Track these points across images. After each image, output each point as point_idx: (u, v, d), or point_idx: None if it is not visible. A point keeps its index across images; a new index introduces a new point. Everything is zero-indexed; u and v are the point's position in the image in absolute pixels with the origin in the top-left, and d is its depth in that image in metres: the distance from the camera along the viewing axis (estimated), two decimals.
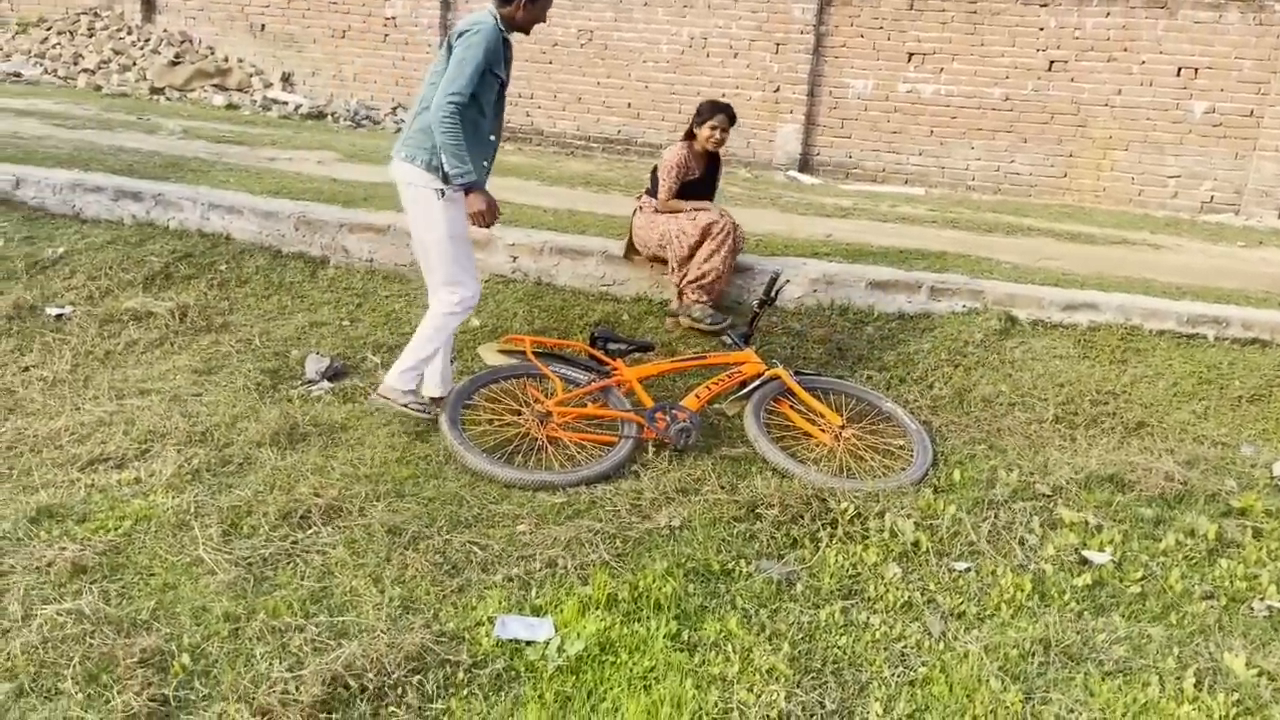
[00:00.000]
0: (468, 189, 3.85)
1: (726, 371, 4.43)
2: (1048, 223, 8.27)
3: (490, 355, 4.32)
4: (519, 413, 4.09)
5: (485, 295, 5.49)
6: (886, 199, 9.35)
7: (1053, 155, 10.31)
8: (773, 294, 4.58)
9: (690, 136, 5.31)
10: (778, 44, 11.06)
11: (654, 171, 5.37)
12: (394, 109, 12.95)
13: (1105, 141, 10.07)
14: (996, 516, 3.60)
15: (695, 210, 5.19)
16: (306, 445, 3.90)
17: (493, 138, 4.01)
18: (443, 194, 3.88)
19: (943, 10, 10.37)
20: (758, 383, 4.33)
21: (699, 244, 5.10)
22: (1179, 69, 9.70)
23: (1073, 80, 10.07)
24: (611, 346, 4.38)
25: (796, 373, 4.45)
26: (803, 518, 3.54)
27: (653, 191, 5.32)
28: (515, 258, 5.65)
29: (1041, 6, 10.02)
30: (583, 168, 9.97)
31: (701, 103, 5.31)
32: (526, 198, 7.58)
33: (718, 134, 5.17)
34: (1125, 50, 9.83)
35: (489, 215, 3.92)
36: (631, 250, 5.45)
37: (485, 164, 3.98)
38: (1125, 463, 4.03)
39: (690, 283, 5.12)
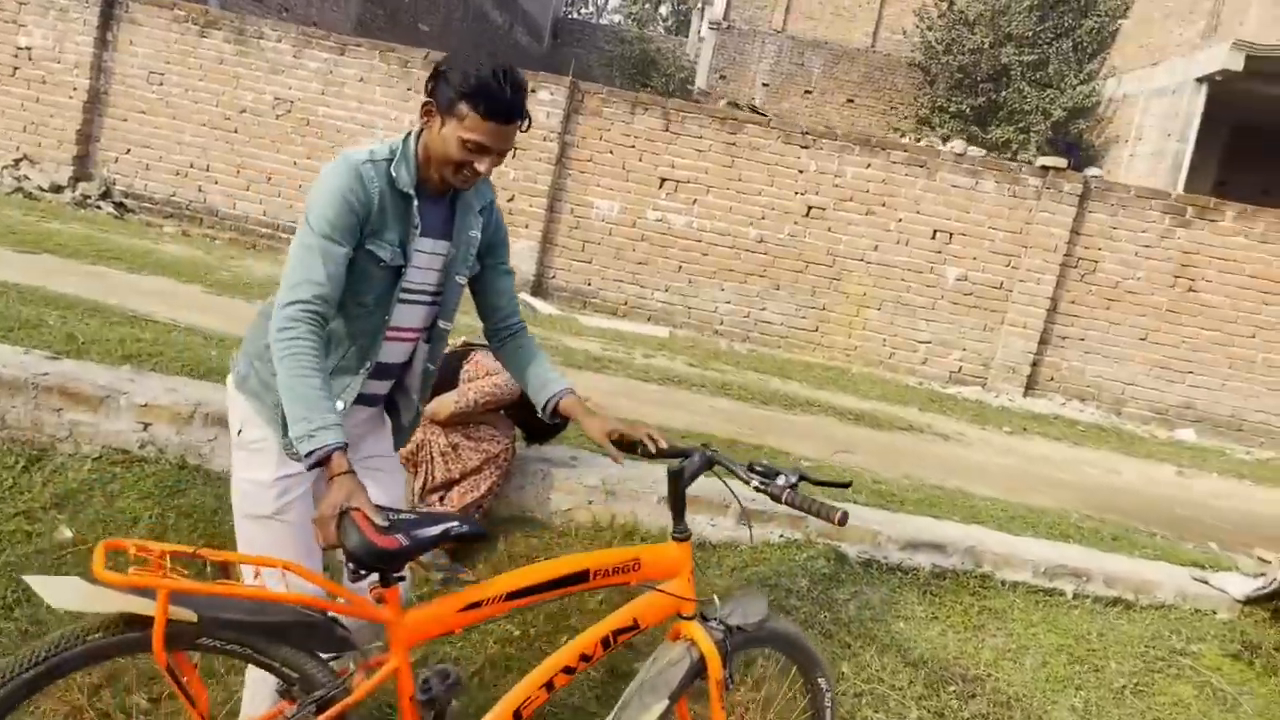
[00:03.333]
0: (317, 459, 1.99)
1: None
2: (818, 392, 7.59)
3: (82, 596, 1.80)
4: None
5: (91, 485, 3.68)
6: (634, 341, 8.35)
7: (806, 306, 9.87)
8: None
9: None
10: (515, 148, 9.94)
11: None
12: (17, 161, 10.39)
13: (859, 298, 9.78)
14: None
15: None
16: None
17: (368, 364, 2.26)
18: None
19: (700, 137, 9.77)
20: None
21: None
22: (934, 231, 9.64)
23: (830, 230, 9.75)
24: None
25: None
26: None
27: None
28: (147, 424, 3.88)
29: (803, 149, 9.68)
30: (267, 268, 8.16)
31: None
32: (182, 312, 5.74)
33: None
34: (884, 205, 9.67)
35: (325, 537, 1.93)
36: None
37: (340, 405, 2.22)
38: None
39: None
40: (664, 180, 9.89)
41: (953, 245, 9.65)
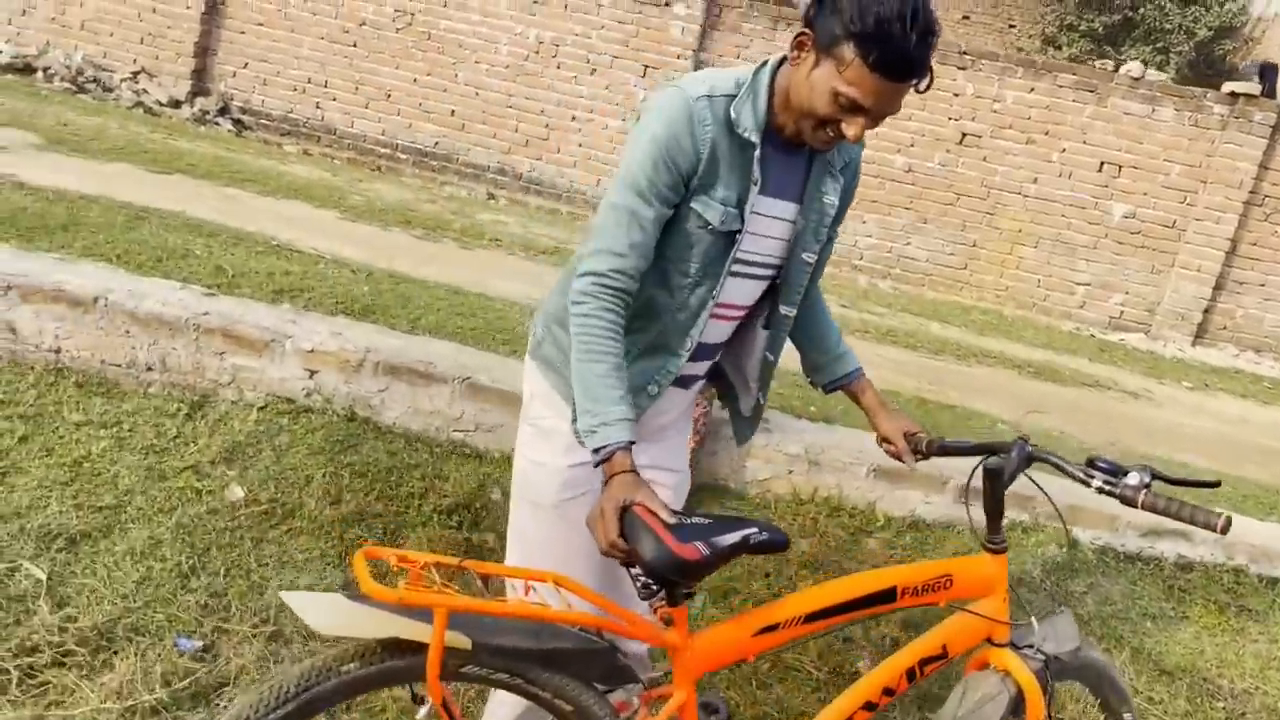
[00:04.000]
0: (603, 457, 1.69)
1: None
2: (981, 339, 7.04)
3: (347, 617, 1.50)
4: None
5: (258, 438, 3.42)
6: None
7: (955, 242, 9.24)
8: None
9: None
10: (647, 66, 9.41)
11: None
12: (135, 74, 10.24)
13: (1014, 234, 9.10)
14: None
15: None
16: None
17: (688, 344, 1.88)
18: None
19: None
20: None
21: None
22: (1102, 164, 8.87)
23: (985, 159, 9.05)
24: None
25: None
26: None
27: None
28: (313, 371, 3.60)
29: (959, 70, 8.94)
30: (395, 193, 7.86)
31: None
32: (321, 240, 5.46)
33: None
34: (1046, 134, 8.91)
35: (605, 533, 1.62)
36: None
37: (653, 389, 1.90)
38: None
39: None
40: None
41: (1121, 179, 8.87)
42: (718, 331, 1.91)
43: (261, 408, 3.55)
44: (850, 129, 1.65)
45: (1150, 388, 6.51)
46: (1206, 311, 8.88)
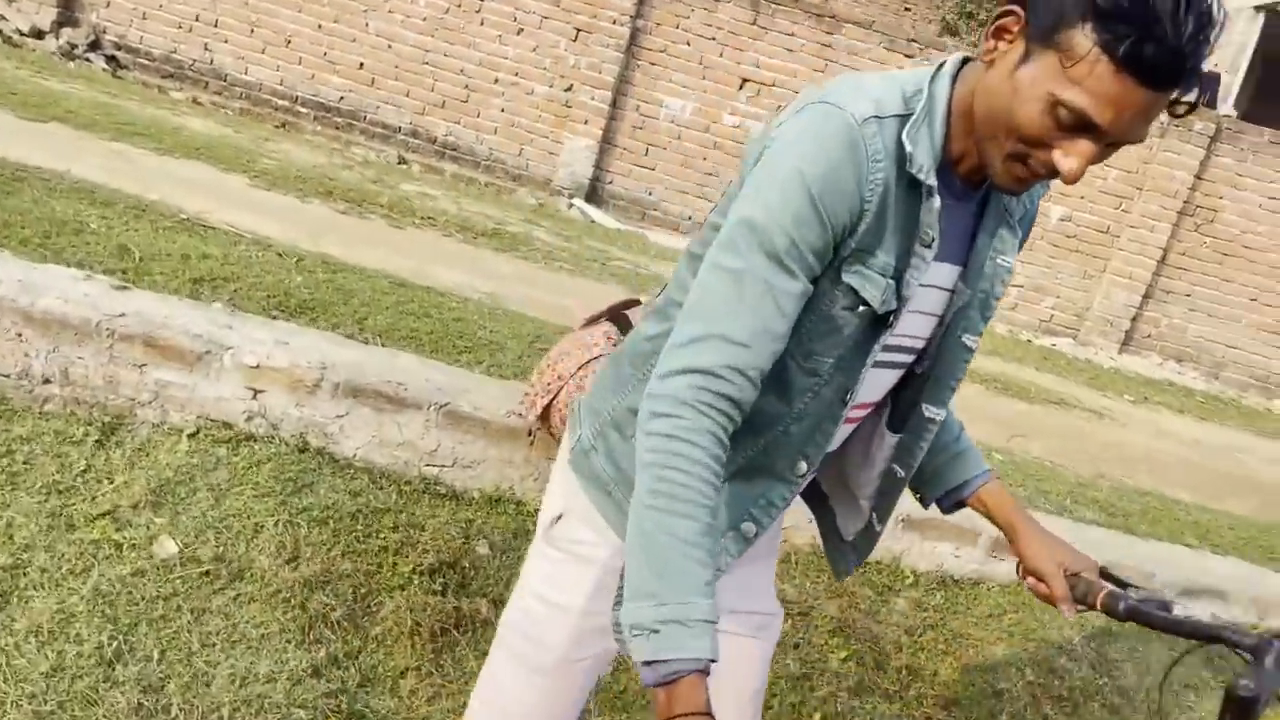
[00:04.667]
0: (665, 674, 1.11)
1: None
2: None
3: None
4: None
5: (190, 473, 2.82)
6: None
7: None
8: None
9: None
10: (579, 30, 8.82)
11: None
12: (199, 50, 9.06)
13: None
14: None
15: None
16: None
17: (802, 467, 1.40)
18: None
19: (792, 35, 8.73)
20: None
21: None
22: None
23: None
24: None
25: None
26: None
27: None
28: (257, 391, 3.00)
29: (907, 58, 8.70)
30: (307, 156, 7.10)
31: None
32: (235, 213, 4.79)
33: None
34: None
35: None
36: (531, 421, 3.03)
37: (749, 529, 1.41)
38: None
39: None
40: (745, 81, 8.86)
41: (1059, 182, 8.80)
42: (835, 436, 1.42)
43: (192, 434, 2.94)
44: (1068, 160, 1.14)
45: (1108, 405, 6.41)
46: (1134, 319, 8.94)
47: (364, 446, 3.05)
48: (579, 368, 2.99)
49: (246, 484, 2.83)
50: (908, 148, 1.20)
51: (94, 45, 9.25)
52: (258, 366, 2.96)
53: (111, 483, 2.72)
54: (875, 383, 1.39)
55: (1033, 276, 8.98)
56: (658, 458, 1.16)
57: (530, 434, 3.05)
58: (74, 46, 9.05)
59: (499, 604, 2.73)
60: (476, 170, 9.05)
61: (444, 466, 3.10)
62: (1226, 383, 8.99)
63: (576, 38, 8.82)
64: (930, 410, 1.44)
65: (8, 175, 4.16)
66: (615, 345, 3.02)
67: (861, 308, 1.26)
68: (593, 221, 8.35)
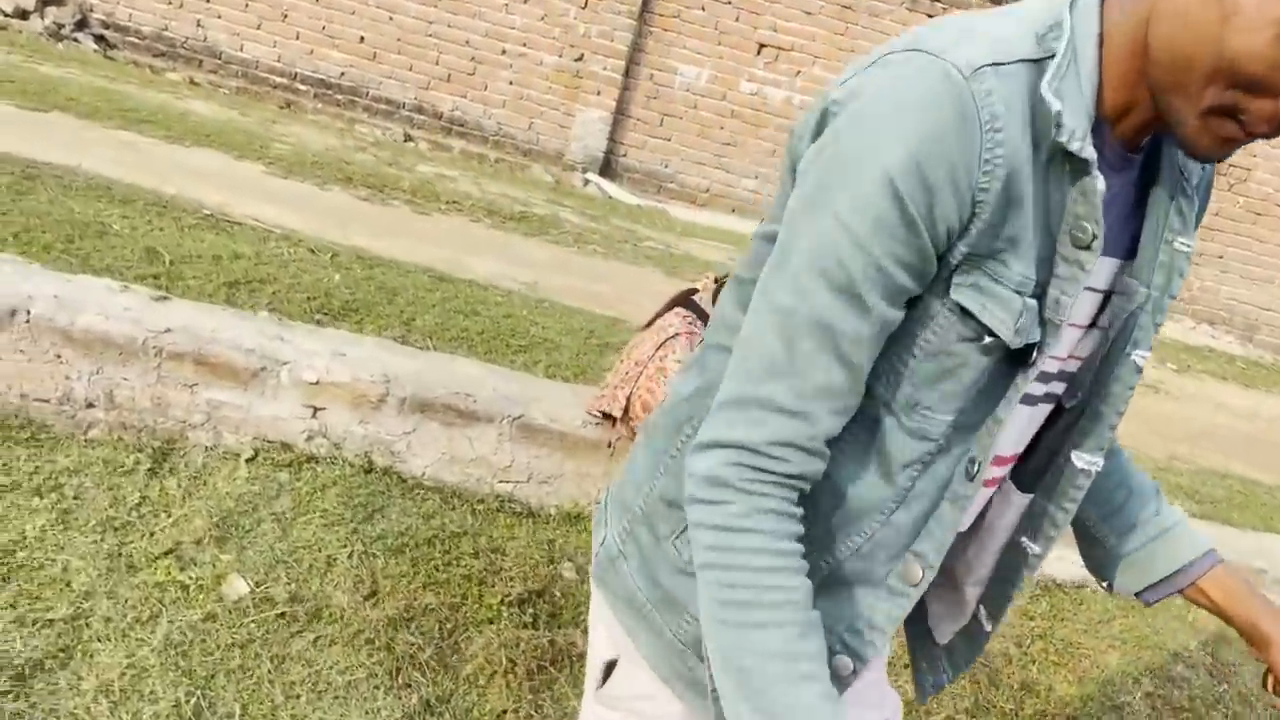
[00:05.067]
0: None
1: None
2: None
3: None
4: None
5: (252, 502, 2.62)
6: (708, 232, 7.29)
7: None
8: None
9: None
10: None
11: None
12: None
13: None
14: None
15: None
16: None
17: (918, 573, 1.02)
18: None
19: None
20: None
21: None
22: None
23: None
24: None
25: None
26: None
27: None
28: (317, 409, 2.80)
29: (929, 17, 8.43)
30: (318, 138, 6.83)
31: None
32: (255, 204, 4.56)
33: None
34: None
35: None
36: (613, 414, 2.83)
37: (846, 667, 1.03)
38: None
39: None
40: (763, 46, 8.59)
41: None
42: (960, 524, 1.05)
43: (250, 459, 2.74)
44: None
45: (1155, 376, 6.24)
46: None
47: (433, 464, 2.85)
48: (656, 348, 2.80)
49: (313, 511, 2.64)
50: (1052, 105, 0.83)
51: (81, 24, 8.91)
52: (317, 383, 2.75)
53: (170, 516, 2.52)
54: (1014, 431, 1.03)
55: None
56: (713, 557, 0.90)
57: (610, 445, 2.88)
58: (60, 26, 8.72)
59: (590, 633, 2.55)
60: (485, 146, 8.79)
61: (519, 483, 2.90)
62: (1261, 345, 8.84)
63: (586, 5, 8.53)
64: (1083, 459, 1.05)
65: (18, 173, 3.91)
66: (692, 325, 2.82)
67: (987, 340, 0.90)
68: (610, 197, 8.11)
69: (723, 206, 8.82)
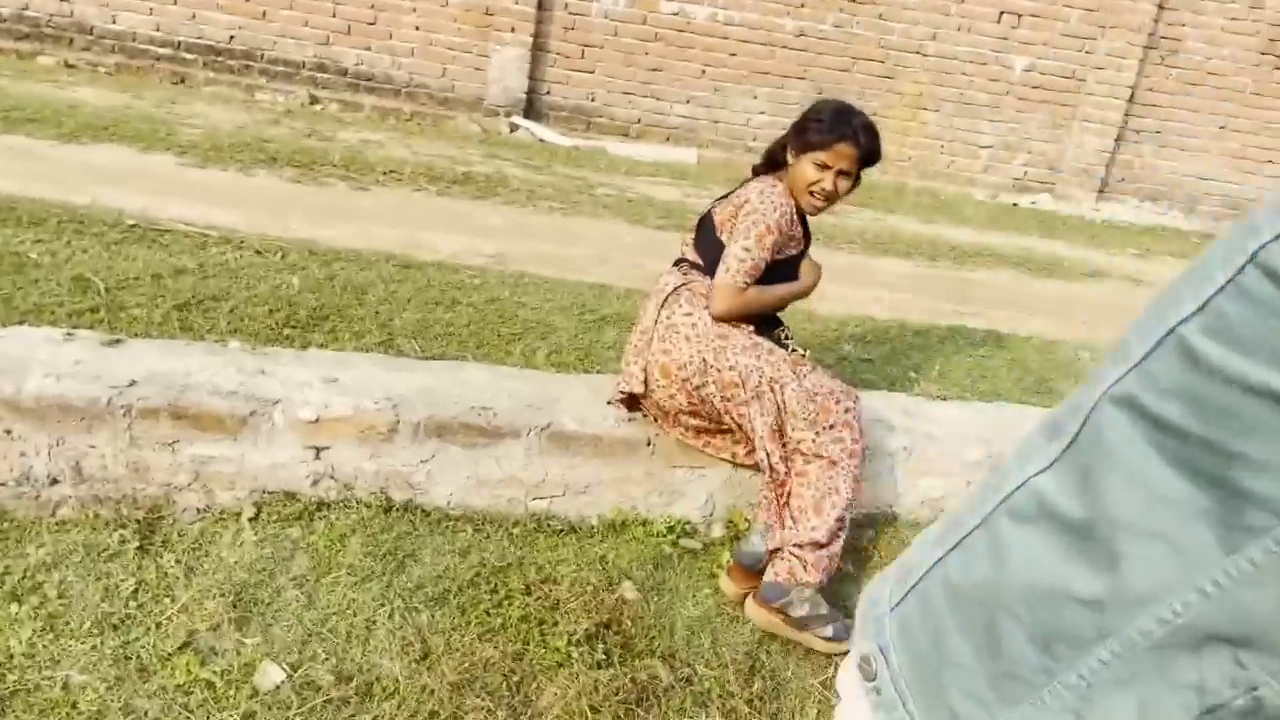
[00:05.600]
0: None
1: None
2: (933, 226, 6.47)
3: None
4: None
5: (267, 569, 2.29)
6: (652, 169, 6.98)
7: None
8: None
9: (777, 166, 2.58)
10: None
11: (703, 220, 2.60)
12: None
13: (915, 99, 8.52)
14: None
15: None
16: None
17: None
18: None
19: None
20: None
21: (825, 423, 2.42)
22: (1001, 13, 8.35)
23: (881, 17, 8.32)
24: None
25: None
26: None
27: (705, 263, 2.57)
28: (320, 449, 2.46)
29: None
30: (226, 114, 6.27)
31: (821, 103, 2.55)
32: (181, 204, 4.11)
33: (833, 183, 2.49)
34: None
35: None
36: (633, 392, 2.55)
37: None
38: None
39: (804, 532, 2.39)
40: None
41: (1021, 29, 8.40)
42: None
43: (253, 517, 2.40)
44: None
45: (1140, 269, 6.16)
46: (1108, 165, 8.71)
47: (458, 491, 2.55)
48: (659, 309, 2.55)
49: (338, 568, 2.32)
50: None
51: None
52: (317, 420, 2.41)
53: (175, 601, 2.18)
54: None
55: (1001, 135, 8.64)
56: None
57: (649, 444, 2.60)
58: None
59: (673, 660, 2.31)
60: (398, 99, 8.25)
61: (554, 497, 2.62)
62: (1203, 216, 8.88)
63: None
64: None
65: None
66: (686, 274, 2.55)
67: None
68: (542, 141, 7.69)
69: (656, 136, 8.45)
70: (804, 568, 2.39)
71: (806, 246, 2.65)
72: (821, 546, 2.39)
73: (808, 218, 2.63)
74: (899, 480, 2.83)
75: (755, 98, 8.45)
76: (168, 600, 2.18)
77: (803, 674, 2.36)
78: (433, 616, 2.26)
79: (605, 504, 2.65)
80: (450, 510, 2.55)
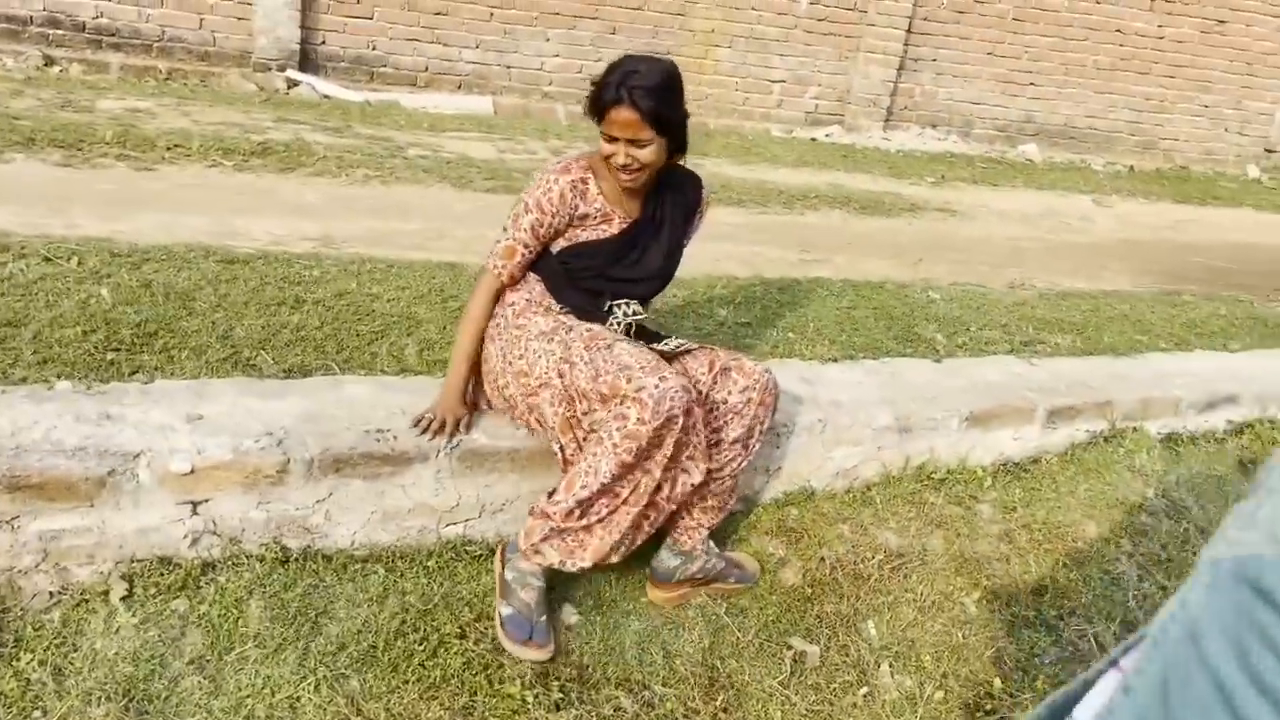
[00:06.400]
0: None
1: None
2: (752, 170, 6.47)
3: None
4: None
5: (157, 656, 1.95)
6: (454, 122, 6.65)
7: (649, 52, 8.39)
8: None
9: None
10: None
11: None
12: None
13: (708, 35, 8.45)
14: None
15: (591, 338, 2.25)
16: None
17: None
18: None
19: None
20: None
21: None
22: None
23: None
24: None
25: None
26: None
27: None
28: (197, 503, 2.10)
29: None
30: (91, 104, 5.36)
31: (611, 63, 2.30)
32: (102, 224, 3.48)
33: (625, 154, 2.26)
34: None
35: None
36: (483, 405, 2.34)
37: None
38: None
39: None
40: None
41: None
42: None
43: (126, 595, 2.02)
44: None
45: (947, 199, 6.38)
46: (892, 94, 8.99)
47: (362, 529, 2.26)
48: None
49: (241, 642, 2.00)
50: None
51: None
52: (193, 471, 2.05)
53: (49, 714, 1.81)
54: None
55: (792, 69, 8.74)
56: None
57: (560, 451, 2.37)
58: None
59: (629, 684, 2.14)
60: (150, 56, 7.37)
61: (470, 520, 2.37)
62: (978, 140, 9.37)
63: None
64: None
65: None
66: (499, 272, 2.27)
67: None
68: (326, 97, 7.10)
69: (446, 85, 7.99)
70: (524, 535, 2.20)
71: (643, 222, 2.41)
72: (551, 521, 2.14)
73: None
74: (814, 454, 2.76)
75: (548, 40, 8.13)
76: (39, 715, 1.81)
77: (759, 676, 2.26)
78: (363, 681, 1.99)
79: (524, 519, 2.43)
80: (355, 552, 2.26)
